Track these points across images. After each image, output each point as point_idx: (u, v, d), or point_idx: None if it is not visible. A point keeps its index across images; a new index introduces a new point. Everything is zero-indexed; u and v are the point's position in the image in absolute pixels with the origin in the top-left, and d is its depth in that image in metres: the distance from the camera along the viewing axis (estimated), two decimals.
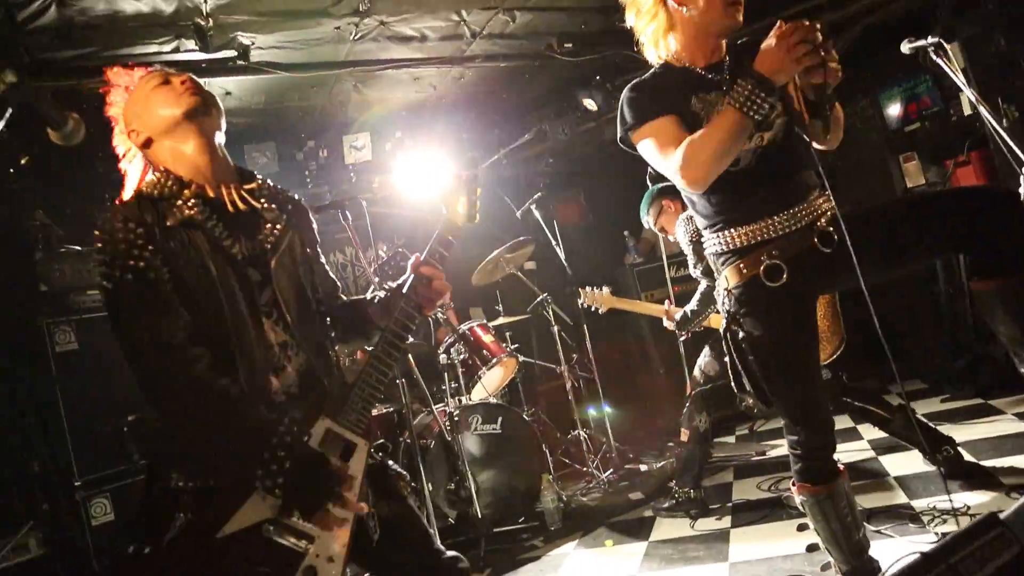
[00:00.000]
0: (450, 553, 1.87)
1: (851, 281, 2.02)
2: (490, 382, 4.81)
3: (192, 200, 1.71)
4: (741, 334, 2.14)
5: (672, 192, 4.10)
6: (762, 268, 2.06)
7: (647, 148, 2.07)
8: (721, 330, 2.24)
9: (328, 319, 1.95)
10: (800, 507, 2.27)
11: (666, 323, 4.18)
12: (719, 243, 2.16)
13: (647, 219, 4.24)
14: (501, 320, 5.21)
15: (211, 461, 1.62)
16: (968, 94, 2.85)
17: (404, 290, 1.85)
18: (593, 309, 4.40)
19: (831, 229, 2.09)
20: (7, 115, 1.42)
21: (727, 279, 2.16)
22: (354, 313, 2.01)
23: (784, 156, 2.12)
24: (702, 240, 2.32)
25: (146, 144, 1.78)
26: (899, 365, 2.22)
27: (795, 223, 2.08)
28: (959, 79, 2.75)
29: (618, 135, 2.19)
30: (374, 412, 1.81)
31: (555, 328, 5.06)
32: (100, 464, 3.78)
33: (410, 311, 1.82)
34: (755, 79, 1.85)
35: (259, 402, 1.65)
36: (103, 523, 3.73)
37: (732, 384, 2.26)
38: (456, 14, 4.16)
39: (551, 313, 5.06)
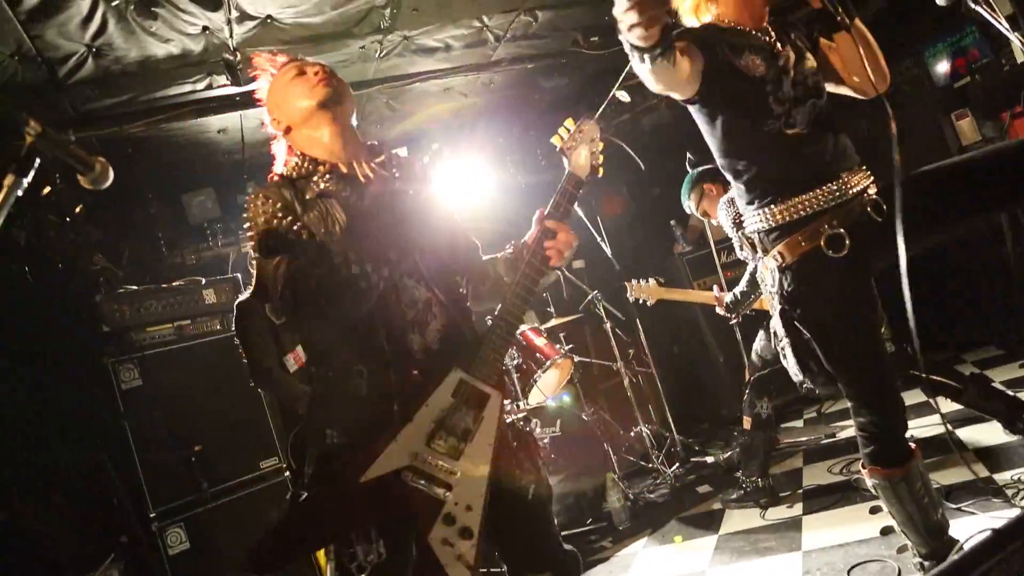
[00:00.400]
0: (568, 547, 1.92)
1: (910, 249, 1.92)
2: (546, 385, 4.77)
3: (327, 175, 1.83)
4: (800, 313, 2.04)
5: (712, 175, 4.01)
6: (823, 239, 1.98)
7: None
8: (775, 311, 2.15)
9: (465, 277, 1.97)
10: (872, 490, 2.17)
11: (718, 309, 4.09)
12: (766, 218, 2.06)
13: (688, 204, 4.15)
14: (554, 322, 5.17)
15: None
16: (1015, 40, 2.69)
17: (531, 244, 1.82)
18: (641, 302, 4.33)
19: (878, 198, 2.01)
20: (35, 166, 1.44)
21: (781, 256, 2.05)
22: (486, 270, 2.02)
23: (830, 120, 2.07)
24: (742, 221, 2.25)
25: (287, 131, 1.92)
26: (973, 331, 2.10)
27: (848, 190, 2.01)
28: (1002, 24, 2.60)
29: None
30: None
31: (608, 324, 5.00)
32: (172, 495, 3.88)
33: (537, 264, 1.80)
34: None
35: (401, 362, 1.72)
36: (180, 552, 3.83)
37: (791, 368, 2.16)
38: (478, 20, 4.15)
39: (602, 310, 5.00)
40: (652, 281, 4.26)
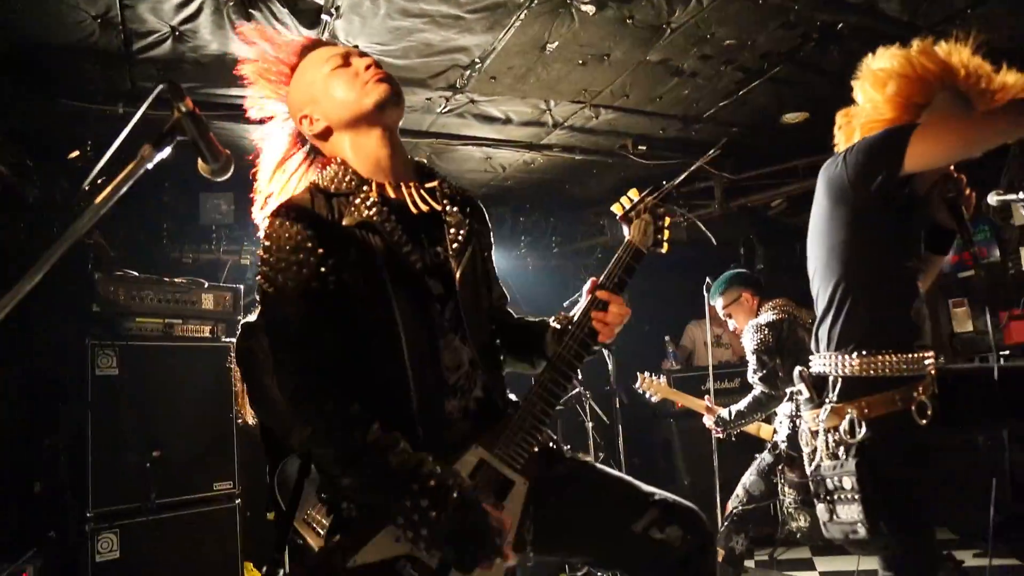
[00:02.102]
0: (662, 495, 1.61)
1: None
2: None
3: (372, 199, 1.54)
4: (881, 472, 1.97)
5: (754, 283, 4.06)
6: (914, 405, 1.95)
7: (930, 132, 1.91)
8: (840, 464, 2.04)
9: (497, 338, 1.75)
10: None
11: (706, 419, 4.05)
12: (865, 365, 1.99)
13: (717, 300, 4.16)
14: None
15: (350, 497, 1.47)
16: None
17: (578, 315, 1.64)
18: (648, 396, 4.30)
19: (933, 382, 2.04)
20: (173, 143, 1.39)
21: (866, 407, 1.98)
22: (525, 336, 1.79)
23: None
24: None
25: (323, 134, 1.63)
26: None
27: (930, 364, 2.03)
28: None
29: (877, 177, 1.97)
30: None
31: (590, 424, 4.96)
32: (116, 497, 3.62)
33: (584, 338, 1.61)
34: None
35: (434, 429, 1.49)
36: (108, 560, 3.55)
37: (862, 523, 2.00)
38: (544, 103, 4.25)
39: (588, 409, 4.96)
40: (664, 378, 4.26)
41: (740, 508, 3.76)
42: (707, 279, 4.41)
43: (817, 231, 2.17)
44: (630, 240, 1.71)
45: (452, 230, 1.62)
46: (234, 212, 4.86)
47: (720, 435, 4.02)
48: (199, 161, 1.48)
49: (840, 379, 2.05)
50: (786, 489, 3.62)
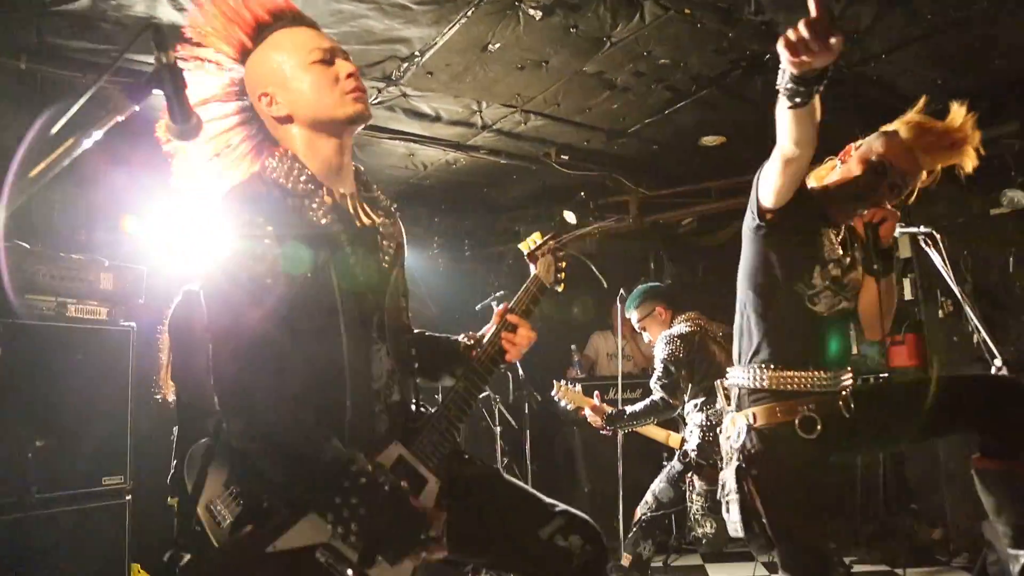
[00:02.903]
0: (563, 507, 1.74)
1: (864, 452, 2.17)
2: None
3: (327, 206, 1.56)
4: (757, 474, 2.16)
5: (668, 298, 4.16)
6: (798, 418, 2.13)
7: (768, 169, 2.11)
8: (730, 465, 2.24)
9: (414, 347, 1.83)
10: None
11: (590, 415, 4.02)
12: (755, 377, 2.20)
13: (632, 313, 4.23)
14: None
15: (279, 491, 1.47)
16: (955, 289, 3.03)
17: (490, 335, 1.82)
18: (563, 404, 4.29)
19: (850, 400, 2.23)
20: (147, 96, 1.29)
21: (754, 416, 2.19)
22: (435, 349, 1.90)
23: (846, 321, 2.32)
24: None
25: (283, 120, 1.58)
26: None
27: (835, 385, 2.20)
28: (947, 273, 2.98)
29: (753, 208, 2.22)
30: None
31: (498, 428, 4.96)
32: None
33: (494, 354, 1.79)
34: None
35: (366, 433, 1.53)
36: None
37: (739, 522, 2.21)
38: (477, 103, 4.24)
39: (497, 413, 4.97)
40: (579, 387, 4.27)
41: (649, 514, 3.86)
42: (621, 291, 4.50)
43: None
44: (536, 275, 1.95)
45: (385, 242, 1.68)
46: None
47: (607, 432, 4.02)
48: (166, 120, 1.38)
49: (738, 390, 2.26)
50: (694, 496, 3.74)
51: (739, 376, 2.26)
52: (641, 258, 6.45)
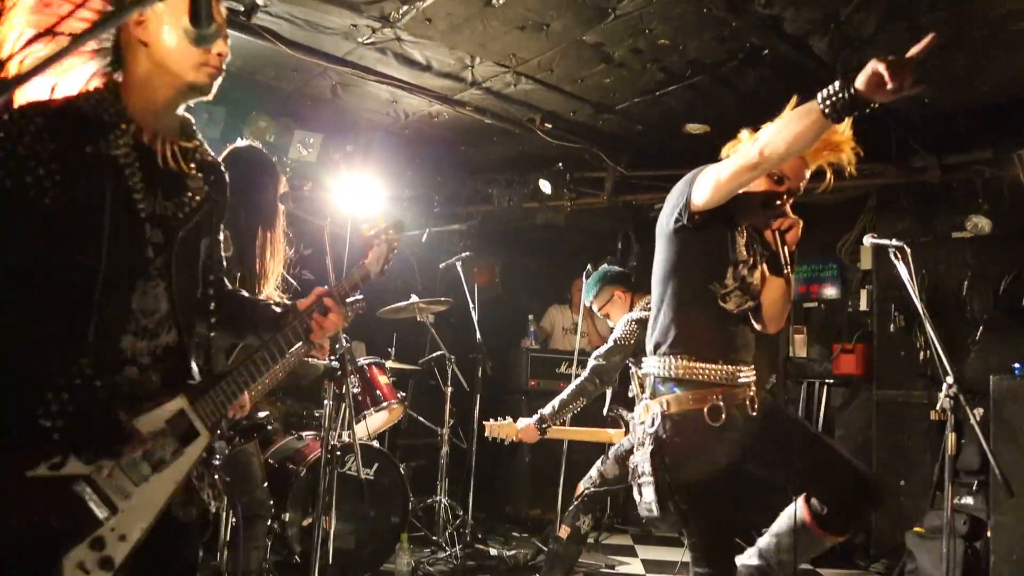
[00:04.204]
0: None
1: (752, 463, 2.43)
2: (372, 424, 4.58)
3: (124, 140, 1.57)
4: (669, 459, 2.27)
5: (625, 281, 4.11)
6: (707, 407, 2.26)
7: (720, 167, 2.16)
8: (645, 450, 2.33)
9: (213, 303, 1.85)
10: None
11: (524, 436, 3.77)
12: (668, 367, 2.32)
13: (591, 299, 4.14)
14: (390, 364, 5.00)
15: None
16: (919, 305, 3.07)
17: (302, 311, 1.86)
18: (500, 440, 3.92)
19: (756, 396, 2.40)
20: None
21: (667, 403, 2.30)
22: (240, 308, 1.95)
23: (749, 318, 2.46)
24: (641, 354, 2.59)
25: (141, 43, 1.57)
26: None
27: (739, 377, 2.34)
28: (913, 289, 3.04)
29: (680, 207, 2.30)
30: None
31: (449, 389, 4.94)
32: None
33: (301, 331, 1.83)
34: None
35: (105, 356, 1.55)
36: None
37: (655, 502, 2.29)
38: (470, 58, 4.14)
39: (450, 373, 4.94)
40: (509, 419, 3.92)
41: (592, 490, 3.88)
42: (588, 266, 4.46)
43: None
44: (364, 263, 1.93)
45: (189, 193, 1.70)
46: None
47: (541, 435, 3.77)
48: (186, 20, 1.31)
49: (653, 379, 2.37)
50: None
51: (654, 365, 2.37)
52: (610, 236, 6.44)
